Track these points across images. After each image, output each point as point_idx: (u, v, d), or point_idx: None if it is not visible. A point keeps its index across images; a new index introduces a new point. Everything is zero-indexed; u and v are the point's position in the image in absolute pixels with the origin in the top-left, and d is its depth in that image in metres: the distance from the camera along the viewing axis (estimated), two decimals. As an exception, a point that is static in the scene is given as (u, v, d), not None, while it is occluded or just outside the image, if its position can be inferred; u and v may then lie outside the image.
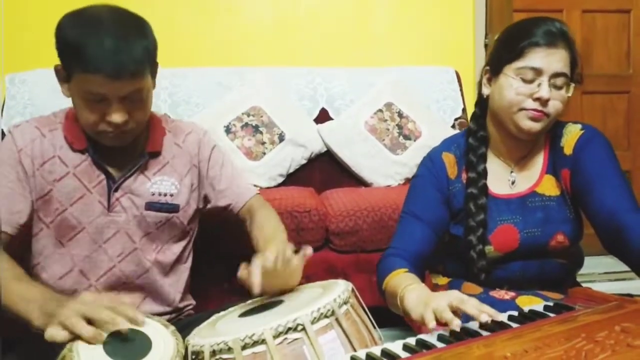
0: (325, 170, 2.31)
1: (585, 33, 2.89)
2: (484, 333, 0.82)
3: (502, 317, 0.87)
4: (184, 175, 1.23)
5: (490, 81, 1.18)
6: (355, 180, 2.28)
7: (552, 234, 1.16)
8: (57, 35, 1.04)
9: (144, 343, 0.87)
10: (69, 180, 1.14)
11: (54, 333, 0.84)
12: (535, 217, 1.17)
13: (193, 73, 2.36)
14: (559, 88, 1.10)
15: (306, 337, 0.82)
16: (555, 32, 1.09)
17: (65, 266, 1.15)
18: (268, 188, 2.13)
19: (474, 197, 1.17)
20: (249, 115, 2.22)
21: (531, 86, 1.09)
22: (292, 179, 2.26)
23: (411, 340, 0.83)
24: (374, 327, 0.95)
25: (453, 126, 2.44)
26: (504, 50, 1.14)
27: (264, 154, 2.18)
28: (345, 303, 0.89)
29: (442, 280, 1.28)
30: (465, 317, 0.86)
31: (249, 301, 1.06)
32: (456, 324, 0.81)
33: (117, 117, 1.05)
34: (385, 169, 2.23)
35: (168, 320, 1.12)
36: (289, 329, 0.81)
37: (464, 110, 2.49)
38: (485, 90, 1.20)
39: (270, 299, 1.02)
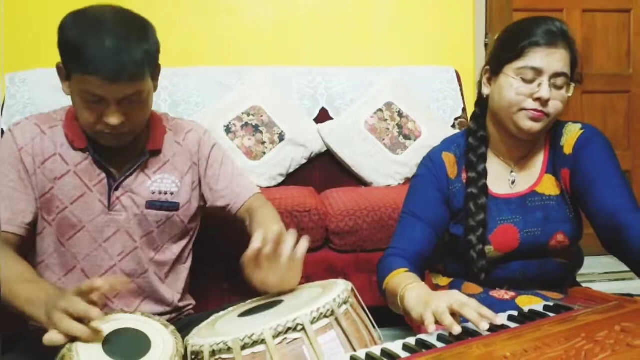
0: (325, 170, 2.31)
1: (585, 33, 2.89)
2: (484, 333, 0.82)
3: (502, 319, 0.86)
4: (184, 173, 1.23)
5: (490, 81, 1.18)
6: (355, 179, 2.28)
7: (552, 233, 1.15)
8: (59, 33, 1.04)
9: (143, 342, 0.87)
10: (69, 178, 1.14)
11: (53, 337, 0.84)
12: (535, 216, 1.16)
13: (193, 72, 2.36)
14: (559, 88, 1.10)
15: (306, 337, 0.82)
16: (555, 32, 1.09)
17: (67, 265, 1.15)
18: (268, 188, 2.13)
19: (474, 196, 1.17)
20: (249, 114, 2.22)
21: (531, 86, 1.09)
22: (292, 178, 2.26)
23: (411, 340, 0.83)
24: (374, 327, 0.95)
25: (453, 126, 2.44)
26: (504, 50, 1.14)
27: (264, 153, 2.18)
28: (345, 303, 0.89)
29: (443, 281, 1.28)
30: (465, 317, 0.86)
31: (249, 301, 1.06)
32: (456, 329, 0.81)
33: (113, 120, 1.04)
34: (385, 168, 2.23)
35: (168, 320, 1.12)
36: (289, 329, 0.81)
37: (464, 110, 2.49)
38: (485, 90, 1.20)
39: (270, 299, 1.02)
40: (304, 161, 2.29)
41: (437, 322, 0.86)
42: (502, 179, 1.21)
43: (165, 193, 1.20)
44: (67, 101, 1.11)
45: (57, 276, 1.15)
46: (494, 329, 0.83)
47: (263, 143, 2.19)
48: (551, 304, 0.97)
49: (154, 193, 1.18)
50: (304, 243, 1.01)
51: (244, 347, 0.80)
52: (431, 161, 1.24)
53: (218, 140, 1.34)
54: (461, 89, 2.53)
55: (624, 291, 1.02)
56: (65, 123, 1.16)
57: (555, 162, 1.19)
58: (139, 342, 0.87)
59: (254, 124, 2.21)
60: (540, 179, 1.20)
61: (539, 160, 1.21)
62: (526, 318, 0.89)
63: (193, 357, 0.86)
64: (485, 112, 1.23)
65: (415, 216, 1.19)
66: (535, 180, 1.20)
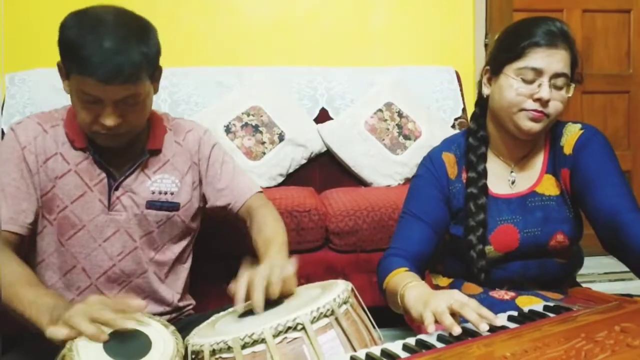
0: (325, 170, 2.32)
1: (585, 33, 2.89)
2: (484, 333, 0.82)
3: (502, 320, 0.86)
4: (184, 173, 1.23)
5: (491, 81, 1.18)
6: (355, 180, 2.28)
7: (552, 233, 1.16)
8: (59, 32, 1.03)
9: (143, 342, 0.87)
10: (70, 177, 1.14)
11: (55, 331, 0.84)
12: (535, 216, 1.17)
13: (193, 72, 2.36)
14: (559, 88, 1.10)
15: (306, 337, 0.81)
16: (555, 32, 1.09)
17: (67, 264, 1.15)
18: (268, 188, 2.13)
19: (474, 196, 1.17)
20: (248, 114, 2.22)
21: (531, 86, 1.09)
22: (292, 178, 2.26)
23: (411, 340, 0.83)
24: (374, 327, 0.95)
25: (453, 126, 2.44)
26: (504, 50, 1.14)
27: (264, 153, 2.18)
28: (344, 303, 0.89)
29: (443, 281, 1.28)
30: (465, 317, 0.86)
31: (249, 301, 1.06)
32: (456, 330, 0.81)
33: (109, 121, 1.04)
34: (385, 168, 2.23)
35: (168, 320, 1.12)
36: (289, 328, 0.81)
37: (463, 110, 2.49)
38: (486, 90, 1.20)
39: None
40: (304, 161, 2.29)
41: (436, 322, 0.86)
42: (502, 179, 1.21)
43: (166, 193, 1.20)
44: (67, 101, 1.11)
45: (57, 276, 1.15)
46: (493, 329, 0.83)
47: (263, 143, 2.19)
48: (551, 304, 0.97)
49: (154, 193, 1.18)
50: (292, 262, 1.00)
51: (244, 347, 0.80)
52: (431, 161, 1.24)
53: (218, 140, 1.34)
54: (461, 89, 2.53)
55: (624, 291, 1.02)
56: (66, 122, 1.16)
57: (555, 162, 1.19)
58: (140, 342, 0.87)
59: (253, 124, 2.21)
60: (540, 179, 1.20)
61: (539, 161, 1.21)
62: (526, 318, 0.89)
63: (193, 356, 0.86)
64: (485, 112, 1.23)
65: (415, 216, 1.19)
66: (535, 181, 1.20)
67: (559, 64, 1.08)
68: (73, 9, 1.06)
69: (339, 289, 0.91)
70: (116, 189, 1.15)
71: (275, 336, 0.80)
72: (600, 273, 2.57)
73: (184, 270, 1.29)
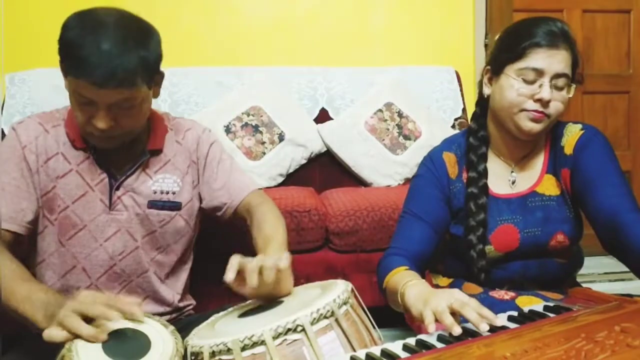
0: (325, 170, 2.32)
1: (585, 33, 2.89)
2: (484, 333, 0.82)
3: (502, 320, 0.86)
4: (185, 172, 1.23)
5: (491, 81, 1.18)
6: (355, 180, 2.28)
7: (552, 233, 1.15)
8: (60, 32, 1.03)
9: (143, 342, 0.87)
10: (71, 177, 1.14)
11: (53, 333, 0.84)
12: (535, 216, 1.17)
13: (193, 72, 2.36)
14: (560, 89, 1.10)
15: (306, 338, 0.81)
16: (556, 33, 1.09)
17: (68, 264, 1.15)
18: (268, 188, 2.13)
19: (475, 196, 1.17)
20: (248, 114, 2.22)
21: (532, 87, 1.09)
22: (292, 178, 2.26)
23: (411, 341, 0.83)
24: (374, 327, 0.95)
25: (453, 126, 2.44)
26: (505, 50, 1.14)
27: (264, 153, 2.18)
28: (345, 303, 0.89)
29: (443, 281, 1.28)
30: (465, 317, 0.86)
31: (249, 301, 1.06)
32: (456, 330, 0.81)
33: (101, 124, 1.03)
34: (385, 168, 2.23)
35: (168, 321, 1.12)
36: (289, 329, 0.81)
37: (463, 110, 2.49)
38: (486, 90, 1.20)
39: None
40: (304, 161, 2.29)
41: (437, 321, 0.86)
42: (502, 179, 1.21)
43: (167, 192, 1.19)
44: (67, 101, 1.11)
45: (58, 276, 1.15)
46: (494, 329, 0.83)
47: (263, 143, 2.19)
48: (551, 304, 0.97)
49: (155, 193, 1.18)
50: (285, 256, 0.99)
51: (243, 348, 0.80)
52: (432, 161, 1.24)
53: (217, 139, 1.33)
54: (461, 89, 2.53)
55: (624, 291, 1.02)
56: (67, 122, 1.16)
57: (555, 162, 1.19)
58: (139, 342, 0.87)
59: (253, 124, 2.21)
60: (540, 179, 1.20)
61: (540, 161, 1.21)
62: (526, 318, 0.89)
63: (193, 357, 0.86)
64: (486, 112, 1.23)
65: (416, 216, 1.19)
66: (535, 181, 1.20)
67: (559, 64, 1.08)
68: (73, 9, 1.06)
69: (339, 289, 0.91)
70: (117, 188, 1.15)
71: (275, 338, 0.80)
72: (600, 273, 2.57)
73: (185, 270, 1.29)
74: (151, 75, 1.08)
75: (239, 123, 2.20)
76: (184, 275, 1.28)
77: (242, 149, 2.16)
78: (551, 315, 0.89)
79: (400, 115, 2.31)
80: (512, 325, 0.86)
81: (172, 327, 0.94)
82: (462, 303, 0.85)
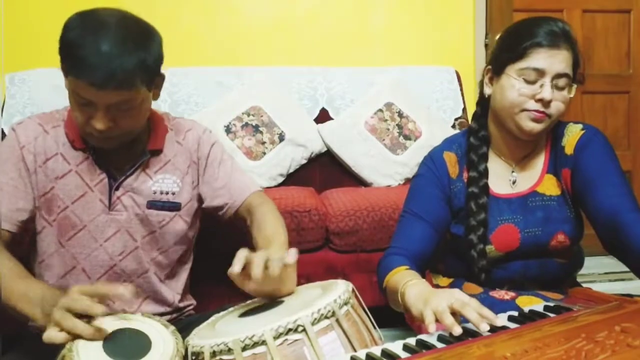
0: (325, 170, 2.32)
1: (585, 33, 2.89)
2: (484, 333, 0.82)
3: (502, 320, 0.86)
4: (185, 172, 1.23)
5: (492, 81, 1.18)
6: (355, 180, 2.28)
7: (552, 233, 1.16)
8: (62, 31, 1.03)
9: (143, 343, 0.87)
10: (71, 178, 1.14)
11: (52, 335, 0.84)
12: (536, 216, 1.17)
13: (193, 72, 2.36)
14: (561, 89, 1.10)
15: (307, 338, 0.81)
16: (557, 33, 1.09)
17: (67, 264, 1.15)
18: (268, 188, 2.13)
19: (475, 196, 1.17)
20: (249, 115, 2.22)
21: (533, 87, 1.09)
22: (292, 178, 2.26)
23: (411, 341, 0.83)
24: (374, 327, 0.95)
25: (453, 126, 2.44)
26: (506, 50, 1.14)
27: (264, 153, 2.18)
28: (345, 304, 0.89)
29: (444, 281, 1.28)
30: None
31: (249, 301, 1.06)
32: (457, 330, 0.81)
33: (99, 125, 1.03)
34: (385, 168, 2.23)
35: (168, 321, 1.12)
36: (290, 330, 0.81)
37: (464, 110, 2.49)
38: (487, 90, 1.20)
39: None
40: (304, 161, 2.29)
41: (437, 321, 0.86)
42: (503, 178, 1.21)
43: (167, 193, 1.19)
44: (67, 101, 1.11)
45: (57, 276, 1.15)
46: (494, 329, 0.83)
47: (263, 143, 2.19)
48: (551, 304, 0.97)
49: (155, 193, 1.18)
50: (293, 252, 0.99)
51: (244, 348, 0.80)
52: (432, 160, 1.24)
53: (218, 139, 1.33)
54: (461, 89, 2.53)
55: (624, 291, 1.02)
56: (66, 123, 1.17)
57: (556, 162, 1.19)
58: (140, 342, 0.87)
59: (254, 124, 2.21)
60: (541, 179, 1.20)
61: (540, 161, 1.21)
62: (526, 318, 0.89)
63: (193, 357, 0.86)
64: (487, 111, 1.23)
65: (416, 215, 1.19)
66: (536, 180, 1.20)
67: (561, 64, 1.08)
68: (73, 9, 1.06)
69: (340, 289, 0.91)
70: (117, 188, 1.15)
71: (275, 338, 0.80)
72: (600, 273, 2.57)
73: (185, 270, 1.29)
74: (151, 77, 1.07)
75: (239, 123, 2.20)
76: (184, 275, 1.28)
77: (243, 149, 2.16)
78: (551, 315, 0.89)
79: (400, 115, 2.31)
80: (512, 325, 0.86)
81: (172, 327, 0.94)
82: (463, 303, 0.85)
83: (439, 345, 0.81)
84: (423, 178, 1.24)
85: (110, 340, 0.84)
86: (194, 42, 2.53)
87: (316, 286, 1.04)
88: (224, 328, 0.93)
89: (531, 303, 1.08)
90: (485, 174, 1.19)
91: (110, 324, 0.88)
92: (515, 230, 1.16)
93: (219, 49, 2.56)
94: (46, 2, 2.41)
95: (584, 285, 1.26)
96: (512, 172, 1.22)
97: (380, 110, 2.30)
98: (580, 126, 1.19)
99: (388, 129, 2.27)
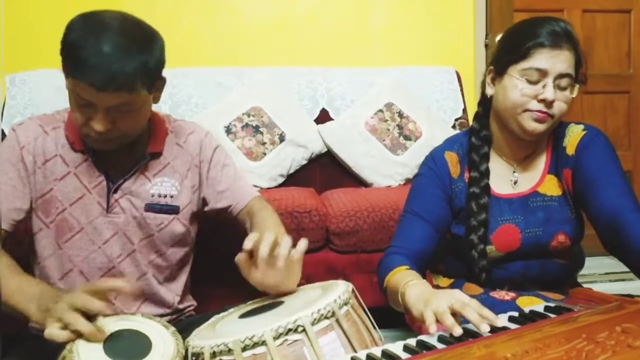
0: (325, 170, 2.32)
1: (585, 33, 2.89)
2: (485, 334, 0.82)
3: (503, 320, 0.86)
4: (184, 176, 1.23)
5: (494, 81, 1.18)
6: (355, 180, 2.28)
7: (553, 234, 1.15)
8: (64, 32, 1.02)
9: (144, 343, 0.87)
10: (69, 180, 1.14)
11: (54, 332, 0.84)
12: (537, 217, 1.17)
13: (193, 73, 2.36)
14: (563, 89, 1.10)
15: (307, 339, 0.81)
16: (560, 33, 1.09)
17: (65, 267, 1.15)
18: (268, 188, 2.13)
19: (476, 196, 1.17)
20: (249, 115, 2.22)
21: (536, 87, 1.09)
22: (293, 179, 2.26)
23: (411, 341, 0.83)
24: (375, 328, 0.95)
25: (453, 126, 2.44)
26: (508, 50, 1.14)
27: (265, 154, 2.18)
28: (345, 304, 0.89)
29: (444, 282, 1.28)
30: (466, 318, 0.86)
31: (249, 302, 1.06)
32: (457, 331, 0.81)
33: (98, 126, 1.03)
34: (386, 169, 2.23)
35: (168, 322, 1.12)
36: (290, 330, 0.81)
37: (464, 110, 2.48)
38: (489, 90, 1.19)
39: (271, 300, 1.02)
40: (305, 162, 2.29)
41: (437, 321, 0.86)
42: (504, 179, 1.21)
43: (165, 196, 1.19)
44: (67, 102, 1.11)
45: (55, 278, 1.15)
46: (494, 329, 0.83)
47: (263, 144, 2.19)
48: (552, 304, 0.96)
49: (153, 196, 1.18)
50: (303, 244, 1.00)
51: (244, 349, 0.80)
52: (433, 160, 1.24)
53: (220, 143, 1.33)
54: (461, 90, 2.53)
55: (625, 292, 1.02)
56: (66, 124, 1.16)
57: (557, 163, 1.19)
58: (140, 343, 0.87)
59: (254, 125, 2.21)
60: (542, 179, 1.20)
61: (542, 161, 1.21)
62: (527, 319, 0.89)
63: (194, 358, 0.86)
64: (489, 111, 1.22)
65: (417, 215, 1.19)
66: (537, 181, 1.20)
67: (563, 64, 1.08)
68: (73, 9, 1.06)
69: (340, 290, 0.91)
70: (115, 191, 1.15)
71: (275, 338, 0.80)
72: (601, 273, 2.57)
73: (184, 272, 1.28)
74: (152, 80, 1.07)
75: (239, 124, 2.20)
76: (183, 277, 1.28)
77: (243, 150, 2.16)
78: (552, 315, 0.89)
79: (400, 115, 2.31)
80: (512, 326, 0.86)
81: (173, 328, 0.95)
82: (463, 304, 0.85)
83: (440, 345, 0.81)
84: (424, 178, 1.24)
85: (111, 341, 0.85)
86: (194, 42, 2.53)
87: (316, 287, 1.04)
88: (224, 329, 0.93)
89: (532, 303, 1.08)
90: (486, 174, 1.19)
91: (110, 325, 0.88)
92: (516, 230, 1.16)
93: (219, 50, 2.56)
94: (46, 2, 2.41)
95: (585, 285, 1.26)
96: (514, 172, 1.21)
97: (381, 110, 2.30)
98: (581, 127, 1.19)
99: (388, 130, 2.27)
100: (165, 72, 1.14)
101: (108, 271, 1.16)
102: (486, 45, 2.69)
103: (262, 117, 2.22)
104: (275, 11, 2.59)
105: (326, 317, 0.84)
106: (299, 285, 1.05)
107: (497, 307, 1.08)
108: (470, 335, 0.82)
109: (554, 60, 1.08)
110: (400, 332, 1.43)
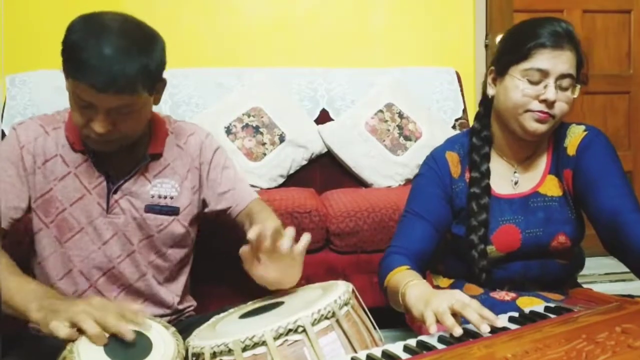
0: (325, 171, 2.32)
1: (585, 33, 2.89)
2: (485, 334, 0.82)
3: (503, 321, 0.86)
4: (184, 177, 1.23)
5: (496, 81, 1.18)
6: (355, 181, 2.28)
7: (553, 234, 1.15)
8: (65, 33, 1.02)
9: (144, 344, 0.87)
10: (69, 180, 1.14)
11: (59, 326, 0.84)
12: (537, 217, 1.17)
13: (193, 73, 2.36)
14: (564, 89, 1.10)
15: (307, 339, 0.81)
16: (561, 33, 1.09)
17: (65, 266, 1.15)
18: (268, 189, 2.13)
19: (477, 196, 1.17)
20: (249, 116, 2.22)
21: (537, 88, 1.09)
22: (293, 179, 2.26)
23: (412, 342, 0.83)
24: (375, 328, 0.95)
25: (453, 127, 2.44)
26: (509, 51, 1.14)
27: (265, 154, 2.18)
28: (345, 304, 0.89)
29: (444, 282, 1.28)
30: (466, 318, 0.86)
31: (250, 302, 1.06)
32: (457, 331, 0.81)
33: (99, 128, 1.02)
34: (386, 169, 2.23)
35: (169, 322, 1.12)
36: (290, 330, 0.81)
37: (464, 110, 2.48)
38: (490, 91, 1.19)
39: (271, 300, 1.02)
40: (305, 162, 2.29)
41: (437, 322, 0.86)
42: (505, 179, 1.21)
43: (165, 197, 1.19)
44: (67, 103, 1.11)
45: (55, 278, 1.15)
46: (494, 330, 0.83)
47: (263, 144, 2.19)
48: (552, 305, 0.96)
49: (153, 197, 1.18)
50: (305, 238, 1.01)
51: (244, 349, 0.80)
52: (434, 160, 1.24)
53: (220, 144, 1.33)
54: (461, 90, 2.52)
55: (625, 292, 1.02)
56: (67, 125, 1.16)
57: (558, 163, 1.19)
58: (140, 343, 0.87)
59: (254, 125, 2.21)
60: (543, 179, 1.20)
61: (543, 161, 1.21)
62: (527, 319, 0.89)
63: (194, 358, 0.86)
64: (490, 112, 1.22)
65: (417, 215, 1.19)
66: (538, 181, 1.20)
67: (564, 64, 1.08)
68: (73, 10, 1.06)
69: (340, 290, 0.91)
70: (115, 192, 1.15)
71: (276, 339, 0.80)
72: (601, 274, 2.57)
73: (184, 273, 1.28)
74: (153, 82, 1.07)
75: (239, 124, 2.20)
76: (183, 277, 1.28)
77: (243, 150, 2.16)
78: (552, 316, 0.89)
79: (400, 116, 2.31)
80: (513, 326, 0.86)
81: (173, 329, 0.95)
82: (463, 304, 0.85)
83: (440, 346, 0.81)
84: (425, 177, 1.24)
85: (111, 342, 0.84)
86: (194, 42, 2.53)
87: (317, 287, 1.04)
88: (225, 329, 0.93)
89: (532, 304, 1.08)
90: (487, 174, 1.19)
91: None
92: (516, 230, 1.16)
93: (219, 50, 2.56)
94: (46, 3, 2.41)
95: (585, 286, 1.26)
96: (515, 172, 1.21)
97: (381, 111, 2.30)
98: (582, 127, 1.19)
99: (388, 130, 2.27)
100: (165, 73, 1.14)
101: (108, 271, 1.16)
102: (486, 46, 2.69)
103: (262, 118, 2.22)
104: (275, 11, 2.59)
105: (326, 318, 0.84)
106: (299, 285, 1.05)
107: (497, 307, 1.08)
108: (471, 335, 0.82)
109: (555, 61, 1.08)
110: (400, 332, 1.44)
